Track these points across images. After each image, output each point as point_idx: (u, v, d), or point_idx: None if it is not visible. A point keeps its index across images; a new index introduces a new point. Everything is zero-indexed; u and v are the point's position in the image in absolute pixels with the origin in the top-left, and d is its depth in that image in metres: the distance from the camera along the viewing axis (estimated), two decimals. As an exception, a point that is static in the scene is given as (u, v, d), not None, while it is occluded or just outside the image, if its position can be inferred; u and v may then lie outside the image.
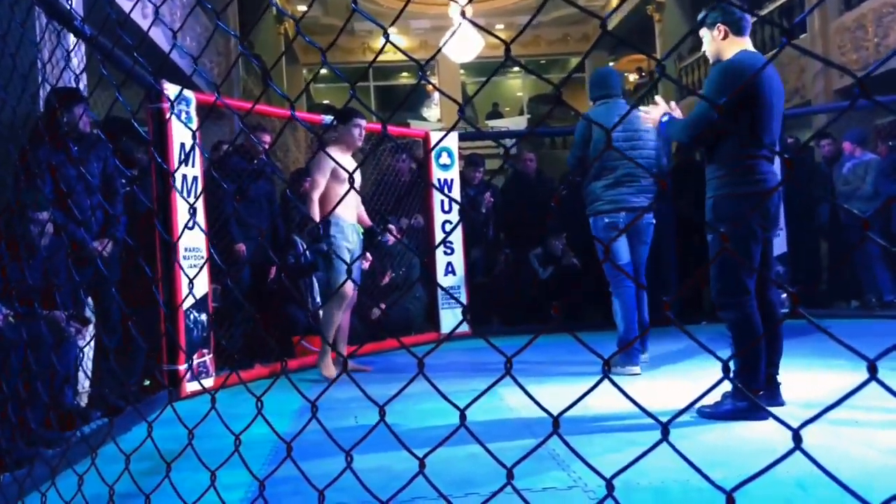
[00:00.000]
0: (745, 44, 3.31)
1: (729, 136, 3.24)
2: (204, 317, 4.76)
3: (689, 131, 3.32)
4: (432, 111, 20.87)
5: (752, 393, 3.14)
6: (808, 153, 7.61)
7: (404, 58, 19.82)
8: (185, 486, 1.74)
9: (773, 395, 3.30)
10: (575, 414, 3.32)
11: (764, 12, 12.28)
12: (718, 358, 0.84)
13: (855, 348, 0.74)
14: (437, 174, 6.84)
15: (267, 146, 5.64)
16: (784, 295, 6.51)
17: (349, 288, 4.79)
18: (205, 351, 4.75)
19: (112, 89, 1.80)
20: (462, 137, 7.25)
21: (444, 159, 6.90)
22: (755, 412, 3.11)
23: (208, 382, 4.63)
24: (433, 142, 6.93)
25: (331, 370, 4.83)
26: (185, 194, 4.66)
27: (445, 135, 1.96)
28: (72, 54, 3.50)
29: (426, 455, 1.07)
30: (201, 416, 1.62)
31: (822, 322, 4.44)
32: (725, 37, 3.29)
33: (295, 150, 13.55)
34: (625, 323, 4.55)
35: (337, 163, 1.37)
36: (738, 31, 3.29)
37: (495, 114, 19.86)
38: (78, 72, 3.97)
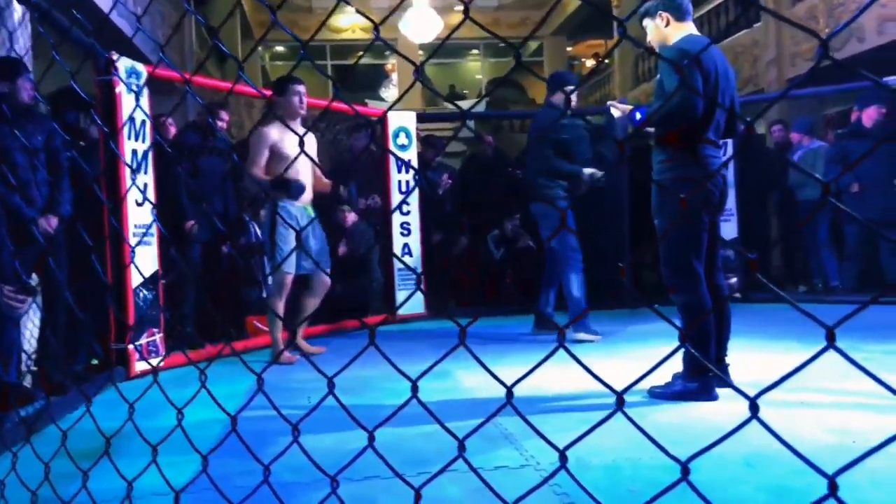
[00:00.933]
0: (689, 28, 3.33)
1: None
2: (154, 295, 4.66)
3: (675, 120, 3.19)
4: (390, 91, 20.72)
5: (701, 374, 3.17)
6: (760, 139, 7.74)
7: (363, 37, 19.62)
8: (129, 465, 1.69)
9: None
10: (530, 394, 3.35)
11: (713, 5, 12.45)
12: (677, 327, 0.83)
13: (814, 316, 0.74)
14: (400, 153, 6.78)
15: (222, 123, 5.53)
16: (734, 279, 6.64)
17: (288, 279, 4.61)
18: (154, 330, 4.65)
19: (66, 64, 1.71)
20: (420, 118, 7.19)
21: (402, 139, 6.84)
22: (705, 393, 3.16)
23: (158, 362, 4.54)
24: (390, 122, 6.86)
25: (286, 356, 4.67)
26: (134, 169, 4.54)
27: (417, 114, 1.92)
28: (21, 26, 3.37)
29: (375, 428, 1.04)
30: (147, 396, 1.57)
31: (771, 305, 4.63)
32: (668, 23, 3.32)
33: (250, 127, 13.36)
34: (582, 293, 4.94)
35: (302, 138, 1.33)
36: (681, 17, 3.32)
37: (454, 96, 19.81)
38: (27, 44, 3.84)
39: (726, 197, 3.38)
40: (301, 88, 4.71)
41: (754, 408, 0.74)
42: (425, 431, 2.64)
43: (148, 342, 4.58)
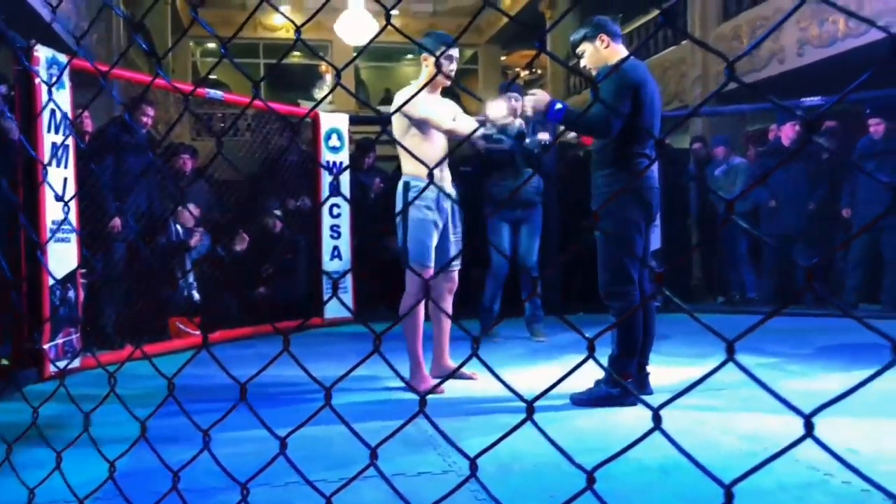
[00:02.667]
0: (623, 50, 3.54)
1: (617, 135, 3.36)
2: (71, 294, 4.50)
3: (593, 130, 3.39)
4: (323, 92, 20.53)
5: (624, 379, 3.25)
6: (684, 155, 7.96)
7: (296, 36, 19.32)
8: (37, 471, 1.62)
9: (643, 383, 3.44)
10: (457, 396, 3.35)
11: (642, 22, 12.78)
12: (584, 336, 0.85)
13: (714, 329, 0.76)
14: (327, 156, 6.72)
15: (147, 119, 5.37)
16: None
17: (427, 275, 3.68)
18: (72, 329, 4.49)
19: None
20: (353, 121, 7.14)
21: (334, 141, 6.79)
22: (626, 398, 3.23)
23: (75, 363, 4.39)
24: (323, 124, 6.80)
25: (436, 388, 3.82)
26: (54, 164, 4.38)
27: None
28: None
29: (287, 435, 1.03)
30: (64, 397, 1.51)
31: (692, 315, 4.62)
32: (608, 46, 3.48)
33: (178, 125, 13.05)
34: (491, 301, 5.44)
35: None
36: (615, 39, 3.51)
37: (388, 100, 19.77)
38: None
39: (658, 208, 3.51)
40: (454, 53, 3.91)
41: (657, 419, 0.75)
42: (349, 435, 2.62)
43: (64, 342, 4.42)
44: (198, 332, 5.39)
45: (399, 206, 3.81)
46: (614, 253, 3.34)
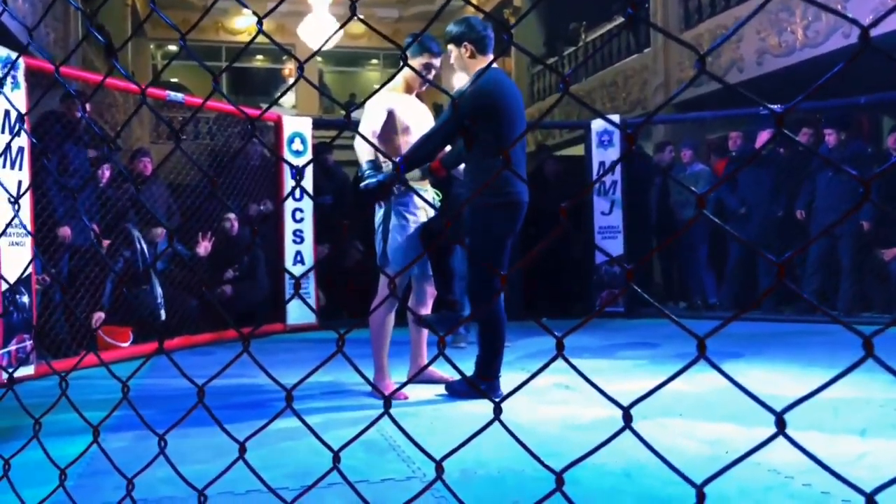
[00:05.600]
0: (488, 60, 3.50)
1: (474, 149, 3.43)
2: (25, 299, 4.38)
3: (428, 143, 3.46)
4: (287, 96, 20.38)
5: (490, 379, 3.48)
6: (647, 160, 8.03)
7: (260, 40, 19.19)
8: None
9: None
10: (418, 401, 3.33)
11: (606, 29, 12.91)
12: (554, 335, 0.83)
13: (687, 327, 0.75)
14: (290, 160, 6.66)
15: (87, 115, 5.19)
16: (605, 293, 6.85)
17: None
18: (25, 336, 4.38)
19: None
20: (316, 125, 7.09)
21: (297, 145, 6.74)
22: (492, 392, 3.43)
23: (29, 370, 4.28)
24: (286, 127, 6.74)
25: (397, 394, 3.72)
26: (9, 166, 4.26)
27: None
28: None
29: (246, 439, 1.00)
30: (16, 405, 1.46)
31: (653, 321, 4.77)
32: (472, 56, 3.50)
33: (138, 129, 12.84)
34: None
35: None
36: (483, 50, 3.50)
37: (352, 104, 19.70)
38: None
39: (522, 220, 3.56)
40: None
41: (627, 418, 0.74)
42: (313, 442, 2.58)
43: (17, 348, 4.30)
44: (125, 345, 5.22)
45: (378, 210, 3.75)
46: (480, 266, 3.47)
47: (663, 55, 10.72)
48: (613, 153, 7.26)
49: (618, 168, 6.79)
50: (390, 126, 3.68)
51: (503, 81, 3.49)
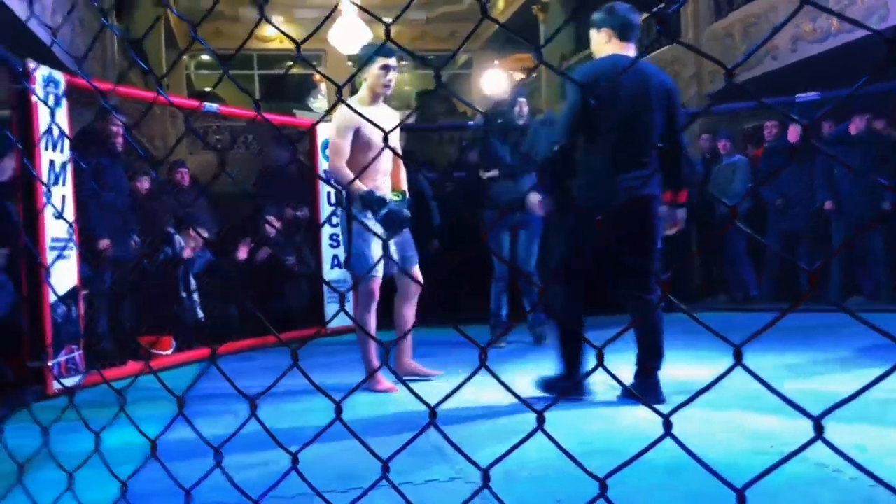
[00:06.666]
0: (624, 49, 3.33)
1: (583, 143, 3.32)
2: (73, 311, 4.50)
3: (558, 134, 3.38)
4: (319, 102, 20.52)
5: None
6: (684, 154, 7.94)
7: (290, 46, 19.40)
8: (47, 491, 1.62)
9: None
10: (459, 405, 3.36)
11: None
12: (594, 346, 0.85)
13: (721, 335, 0.77)
14: (324, 165, 6.72)
15: (117, 128, 5.25)
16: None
17: (375, 286, 3.91)
18: (74, 346, 4.49)
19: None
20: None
21: (331, 151, 6.79)
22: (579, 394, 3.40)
23: (79, 380, 4.39)
24: (319, 134, 6.81)
25: (384, 385, 3.90)
26: (52, 181, 4.38)
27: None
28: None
29: (299, 451, 1.03)
30: (71, 416, 1.51)
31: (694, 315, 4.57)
32: (608, 41, 3.32)
33: (174, 139, 13.02)
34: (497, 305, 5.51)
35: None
36: (622, 36, 3.30)
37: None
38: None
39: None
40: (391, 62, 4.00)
41: (668, 425, 0.76)
42: (356, 446, 2.62)
43: (67, 359, 4.42)
44: (168, 353, 5.33)
45: (339, 216, 3.99)
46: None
47: (695, 46, 10.62)
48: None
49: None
50: (355, 143, 3.86)
51: (614, 67, 3.24)
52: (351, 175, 3.70)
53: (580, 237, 3.34)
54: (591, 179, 3.30)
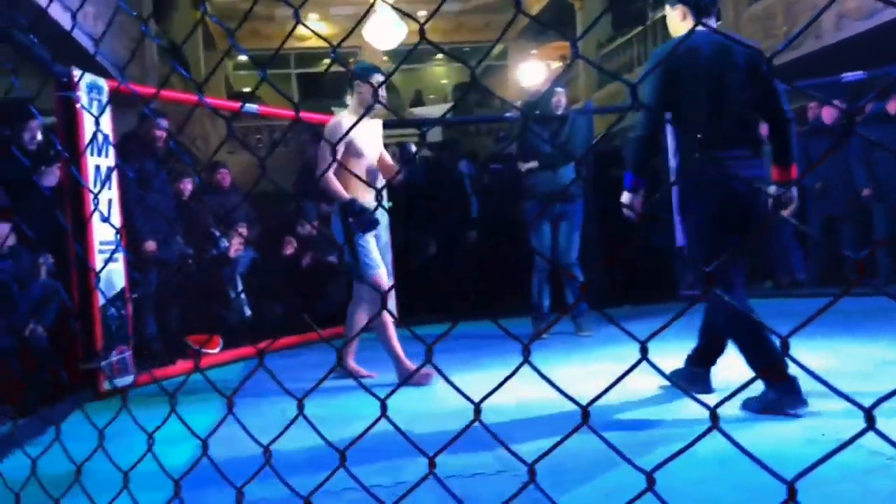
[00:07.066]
0: (699, 25, 3.18)
1: (676, 125, 3.16)
2: (122, 312, 4.60)
3: (643, 125, 3.17)
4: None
5: (782, 378, 2.77)
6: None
7: (327, 45, 19.47)
8: (102, 491, 1.67)
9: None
10: (503, 400, 3.35)
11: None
12: (637, 340, 0.84)
13: (771, 327, 0.75)
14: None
15: (161, 132, 5.31)
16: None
17: (381, 278, 4.11)
18: (124, 347, 4.59)
19: (26, 81, 1.69)
20: (386, 125, 7.16)
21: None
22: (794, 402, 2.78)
23: (129, 380, 4.49)
24: (357, 130, 6.84)
25: (421, 373, 3.95)
26: (98, 185, 4.48)
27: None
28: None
29: (346, 448, 1.04)
30: (122, 415, 1.55)
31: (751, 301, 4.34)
32: (685, 17, 3.10)
33: (216, 141, 13.23)
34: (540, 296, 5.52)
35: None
36: (699, 11, 3.03)
37: (418, 101, 19.81)
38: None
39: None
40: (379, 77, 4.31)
41: (714, 417, 0.75)
42: (400, 440, 2.64)
43: (117, 360, 4.52)
44: (215, 351, 5.42)
45: (337, 224, 4.16)
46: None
47: (735, 28, 10.42)
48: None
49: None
50: (348, 155, 4.03)
51: (694, 44, 2.95)
52: (339, 185, 4.00)
53: (718, 225, 2.98)
54: (694, 165, 3.07)
